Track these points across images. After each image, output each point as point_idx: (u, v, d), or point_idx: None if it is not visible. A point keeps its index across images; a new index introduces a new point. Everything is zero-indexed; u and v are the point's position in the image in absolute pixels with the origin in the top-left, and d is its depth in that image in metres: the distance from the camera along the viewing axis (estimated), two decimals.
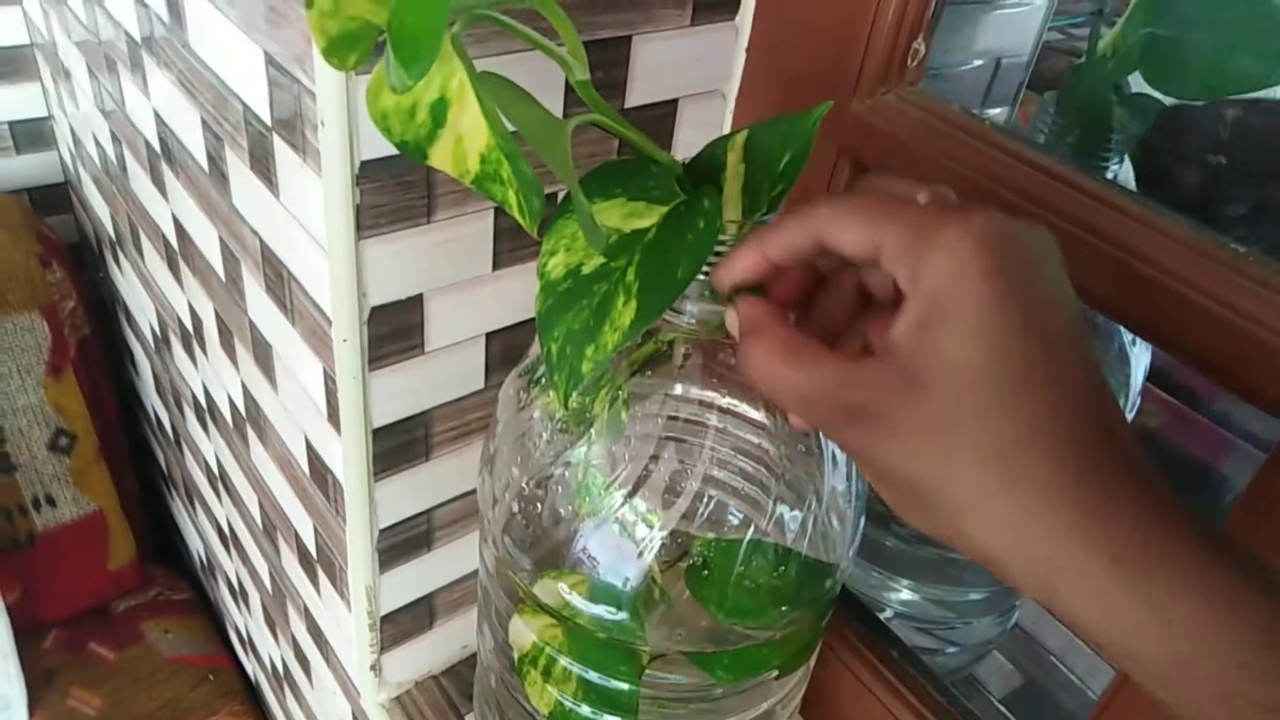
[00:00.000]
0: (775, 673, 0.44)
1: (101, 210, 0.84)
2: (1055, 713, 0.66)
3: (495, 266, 0.44)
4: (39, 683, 0.88)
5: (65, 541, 0.89)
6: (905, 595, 0.67)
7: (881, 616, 0.59)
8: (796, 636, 0.43)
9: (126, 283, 0.85)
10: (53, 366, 0.84)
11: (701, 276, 0.35)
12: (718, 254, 0.34)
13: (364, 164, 0.37)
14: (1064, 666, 0.68)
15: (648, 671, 0.42)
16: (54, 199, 0.96)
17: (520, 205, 0.33)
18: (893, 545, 0.61)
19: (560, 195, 0.34)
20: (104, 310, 0.95)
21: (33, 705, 0.87)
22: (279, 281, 0.47)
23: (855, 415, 0.25)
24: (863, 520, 0.42)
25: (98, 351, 0.91)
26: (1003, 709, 0.65)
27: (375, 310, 0.41)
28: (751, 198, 0.34)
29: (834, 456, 0.40)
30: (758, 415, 0.40)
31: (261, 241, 0.48)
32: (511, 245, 0.44)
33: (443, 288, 0.43)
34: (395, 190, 0.38)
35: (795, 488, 0.39)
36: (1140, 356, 0.53)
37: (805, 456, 0.39)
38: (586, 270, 0.33)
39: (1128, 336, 0.53)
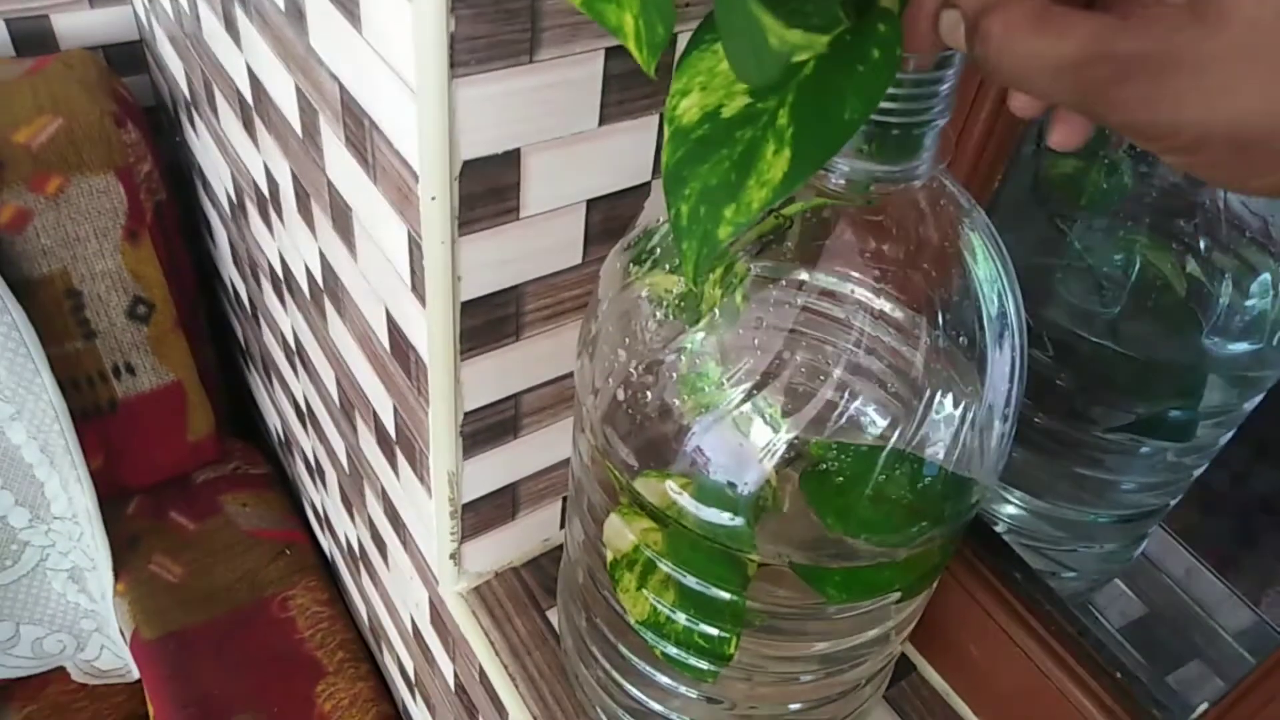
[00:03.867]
0: (896, 596, 0.39)
1: (176, 69, 0.80)
2: (1179, 646, 0.60)
3: (602, 121, 0.39)
4: (123, 547, 0.89)
5: (145, 410, 0.89)
6: (1013, 509, 0.61)
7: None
8: (925, 558, 0.38)
9: (202, 146, 0.81)
10: (129, 231, 0.81)
11: (862, 127, 0.29)
12: (892, 97, 0.28)
13: None
14: (1189, 598, 0.62)
15: (752, 582, 0.37)
16: (129, 58, 0.92)
17: (638, 33, 0.27)
18: (1016, 455, 0.56)
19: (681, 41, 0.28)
20: (180, 177, 0.92)
21: (118, 568, 0.88)
22: (360, 133, 0.42)
23: (1131, 69, 0.20)
24: (1014, 433, 0.36)
25: (174, 219, 0.88)
26: (1122, 639, 0.60)
27: (467, 165, 0.36)
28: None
29: (996, 361, 0.34)
30: (903, 313, 0.34)
31: (341, 87, 0.43)
32: (621, 95, 0.38)
33: (543, 142, 0.38)
34: (495, 19, 0.33)
35: (943, 400, 0.34)
36: None
37: (960, 363, 0.34)
38: (727, 113, 0.27)
39: None
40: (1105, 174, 0.47)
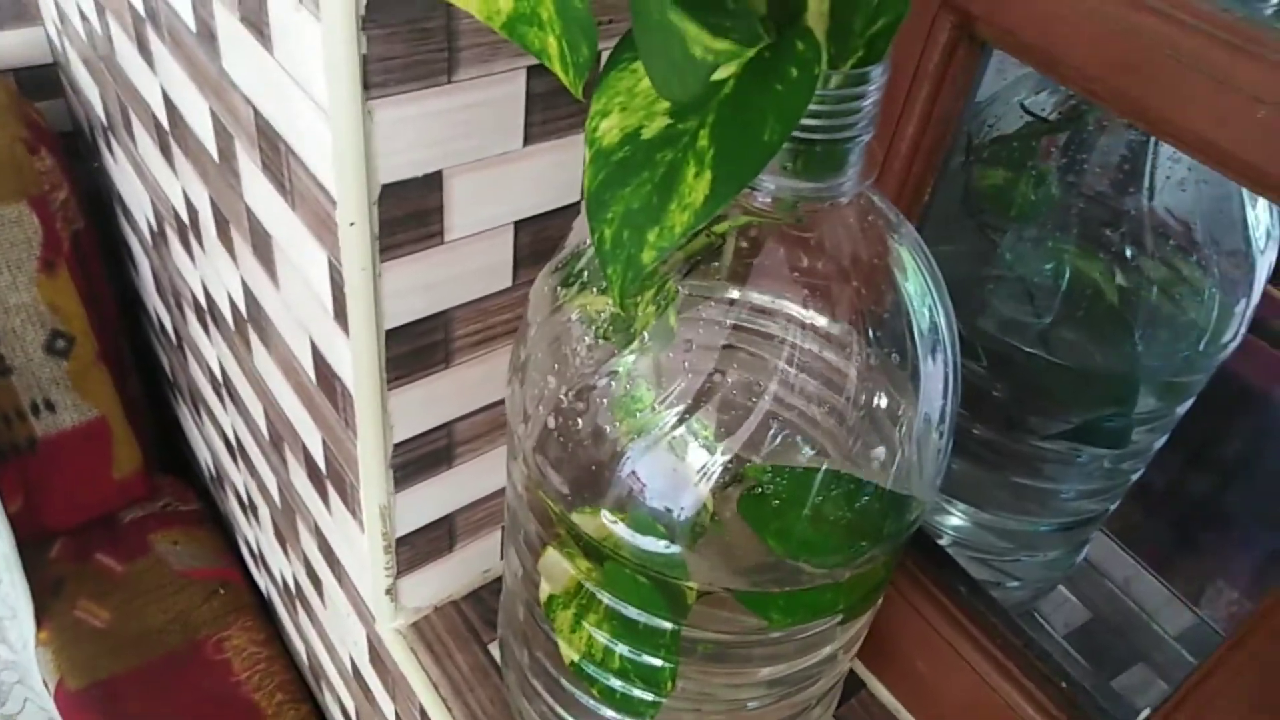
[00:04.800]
0: (840, 617, 0.38)
1: (91, 93, 0.77)
2: (1123, 650, 0.61)
3: (527, 141, 0.38)
4: (46, 593, 0.85)
5: (67, 448, 0.85)
6: (957, 521, 0.62)
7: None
8: (868, 577, 0.38)
9: (120, 172, 0.78)
10: (45, 262, 0.78)
11: (787, 145, 0.29)
12: (815, 114, 0.27)
13: (371, 2, 0.30)
14: (1132, 601, 0.63)
15: (694, 609, 0.37)
16: (43, 81, 0.89)
17: (563, 55, 0.26)
18: (957, 467, 0.56)
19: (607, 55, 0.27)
20: (99, 203, 0.89)
21: (40, 615, 0.84)
22: (276, 158, 0.41)
23: None
24: (951, 447, 0.36)
25: (94, 248, 0.85)
26: (1067, 646, 0.60)
27: (387, 189, 0.35)
28: (839, 42, 0.27)
29: (929, 375, 0.33)
30: (836, 329, 0.33)
31: (255, 111, 0.41)
32: (546, 115, 0.37)
33: (466, 164, 0.36)
34: (410, 39, 0.32)
35: (878, 416, 0.33)
36: (1267, 255, 0.46)
37: (894, 378, 0.33)
38: (648, 135, 0.26)
39: (1254, 231, 0.46)
40: (1033, 185, 0.47)
